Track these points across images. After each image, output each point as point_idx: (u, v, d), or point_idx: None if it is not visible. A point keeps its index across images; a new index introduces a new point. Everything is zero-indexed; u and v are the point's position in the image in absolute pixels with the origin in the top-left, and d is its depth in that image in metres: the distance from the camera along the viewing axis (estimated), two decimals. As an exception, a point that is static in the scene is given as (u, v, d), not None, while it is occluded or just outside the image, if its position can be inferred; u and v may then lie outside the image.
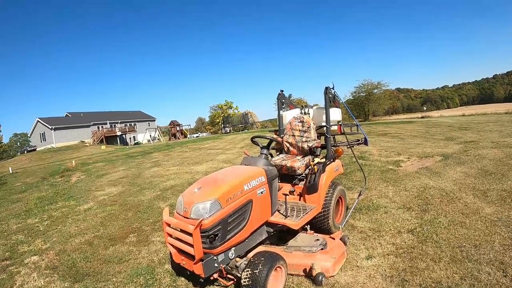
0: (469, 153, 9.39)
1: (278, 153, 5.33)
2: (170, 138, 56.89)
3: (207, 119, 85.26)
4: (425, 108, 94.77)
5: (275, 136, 5.31)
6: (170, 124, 62.17)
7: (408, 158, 9.57)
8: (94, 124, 53.97)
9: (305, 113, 5.24)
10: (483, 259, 3.60)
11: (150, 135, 55.74)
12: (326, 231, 4.40)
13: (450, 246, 3.98)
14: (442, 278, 3.33)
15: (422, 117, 41.34)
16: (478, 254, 3.73)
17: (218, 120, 70.46)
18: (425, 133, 16.27)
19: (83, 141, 49.44)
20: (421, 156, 9.66)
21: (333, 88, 4.80)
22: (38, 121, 51.45)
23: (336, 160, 4.91)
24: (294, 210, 4.13)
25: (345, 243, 4.08)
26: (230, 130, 57.19)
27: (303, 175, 4.59)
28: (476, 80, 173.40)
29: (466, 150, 9.92)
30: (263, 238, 3.91)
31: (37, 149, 48.18)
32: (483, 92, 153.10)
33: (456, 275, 3.36)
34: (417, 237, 4.32)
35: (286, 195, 3.92)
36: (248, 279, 3.03)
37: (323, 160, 4.62)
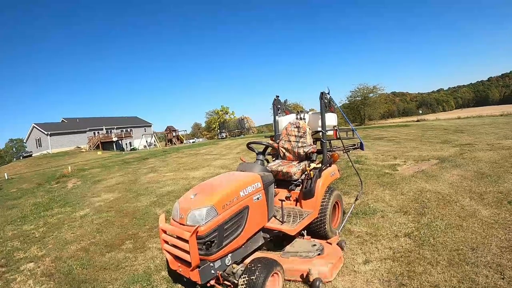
0: (465, 156, 9.43)
1: (274, 159, 5.32)
2: (166, 144, 56.74)
3: (203, 125, 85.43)
4: (420, 112, 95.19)
5: (271, 141, 5.31)
6: (166, 130, 62.07)
7: (404, 161, 9.59)
8: (90, 130, 53.75)
9: (301, 119, 5.24)
10: (481, 262, 3.61)
11: (146, 141, 55.55)
12: (323, 236, 4.39)
13: (447, 250, 3.99)
14: (440, 281, 3.33)
15: (417, 121, 41.45)
16: (475, 257, 3.73)
17: (214, 126, 70.55)
18: (421, 136, 16.34)
19: (79, 147, 49.17)
20: (417, 159, 9.68)
21: (328, 93, 4.81)
22: (34, 126, 51.18)
23: (332, 165, 4.91)
24: (291, 215, 4.12)
25: (342, 248, 4.08)
26: (226, 136, 57.22)
27: (299, 180, 4.59)
28: (471, 83, 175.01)
29: (462, 153, 9.97)
30: (260, 244, 3.90)
31: (33, 155, 47.91)
32: (478, 95, 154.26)
33: (454, 278, 3.36)
34: (414, 241, 4.32)
35: (282, 200, 3.92)
36: (245, 286, 3.02)
37: (319, 165, 4.62)
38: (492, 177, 6.84)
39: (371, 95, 56.70)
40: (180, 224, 3.22)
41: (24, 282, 4.46)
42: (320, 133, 4.76)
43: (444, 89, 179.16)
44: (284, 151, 5.10)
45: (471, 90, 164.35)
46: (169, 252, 3.36)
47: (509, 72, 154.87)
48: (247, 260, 3.55)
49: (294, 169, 4.48)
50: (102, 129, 55.20)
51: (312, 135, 5.00)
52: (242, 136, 50.30)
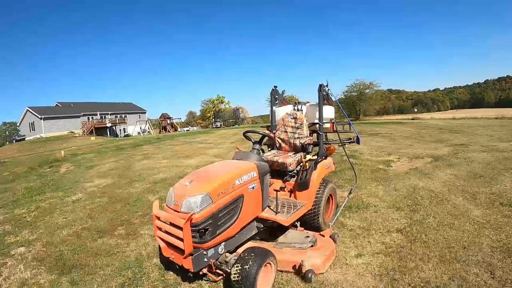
0: (459, 155, 9.49)
1: (269, 149, 5.31)
2: (160, 131, 56.50)
3: (198, 113, 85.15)
4: (416, 110, 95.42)
5: (267, 131, 5.29)
6: (160, 117, 61.66)
7: (399, 158, 9.64)
8: (84, 115, 53.31)
9: (298, 110, 5.22)
10: (471, 260, 3.63)
11: (141, 128, 55.31)
12: (316, 228, 4.39)
13: (439, 247, 4.02)
14: (431, 278, 3.35)
15: (413, 119, 41.59)
16: (466, 255, 3.76)
17: (209, 115, 70.37)
18: (416, 134, 16.43)
19: (73, 132, 48.84)
20: (411, 157, 9.73)
21: (327, 86, 4.78)
22: (28, 110, 50.68)
23: (327, 157, 4.91)
24: (285, 206, 4.11)
25: (335, 241, 4.09)
26: (221, 125, 57.14)
27: (295, 171, 4.58)
28: (467, 84, 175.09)
29: (456, 152, 10.03)
30: (253, 233, 3.89)
31: (26, 139, 47.54)
32: (474, 97, 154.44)
33: (445, 275, 3.38)
34: (406, 237, 4.35)
35: (277, 191, 3.90)
36: (237, 275, 3.01)
37: (315, 157, 4.61)
38: (485, 178, 6.89)
39: (367, 91, 56.87)
40: (175, 211, 3.19)
41: (14, 267, 4.41)
42: (317, 125, 4.74)
43: (440, 89, 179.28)
44: (280, 141, 5.08)
45: (467, 91, 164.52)
46: (162, 239, 3.34)
47: (505, 76, 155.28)
48: (240, 249, 3.54)
49: (290, 160, 4.46)
50: (96, 115, 54.78)
51: (308, 127, 4.98)
52: (237, 126, 50.26)
